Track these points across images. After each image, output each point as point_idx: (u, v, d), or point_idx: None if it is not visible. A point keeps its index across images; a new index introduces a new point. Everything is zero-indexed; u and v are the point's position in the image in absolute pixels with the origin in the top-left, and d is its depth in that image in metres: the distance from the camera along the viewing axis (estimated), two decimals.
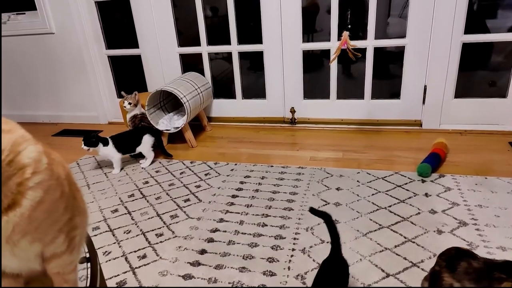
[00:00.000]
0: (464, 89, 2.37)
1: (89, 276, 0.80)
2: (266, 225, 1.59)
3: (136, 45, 2.77)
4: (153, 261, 1.43)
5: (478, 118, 2.35)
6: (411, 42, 2.33)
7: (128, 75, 3.04)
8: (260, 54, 2.61)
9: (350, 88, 2.62)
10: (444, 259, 0.89)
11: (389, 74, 2.82)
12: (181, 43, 2.73)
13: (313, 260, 1.36)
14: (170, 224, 1.66)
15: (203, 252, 1.45)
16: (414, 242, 1.41)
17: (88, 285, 0.78)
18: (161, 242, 1.54)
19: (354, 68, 2.65)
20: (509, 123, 2.30)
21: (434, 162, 1.89)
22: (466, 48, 2.26)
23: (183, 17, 2.74)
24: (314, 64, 2.77)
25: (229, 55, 2.70)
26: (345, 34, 1.93)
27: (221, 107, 2.83)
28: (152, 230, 1.62)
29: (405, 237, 1.44)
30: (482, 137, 2.27)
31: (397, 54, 2.47)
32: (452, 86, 2.34)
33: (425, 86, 2.38)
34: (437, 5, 2.19)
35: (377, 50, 2.43)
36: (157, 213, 1.75)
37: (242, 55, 2.69)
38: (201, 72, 2.74)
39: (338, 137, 2.45)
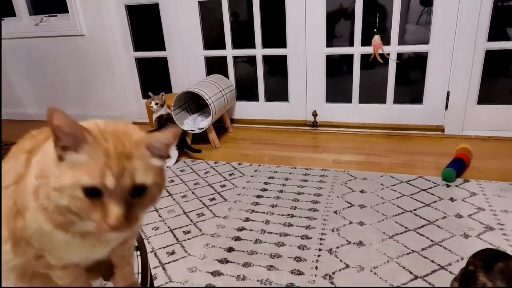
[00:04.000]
0: (487, 96, 2.36)
1: (139, 263, 0.85)
2: (292, 225, 1.62)
3: (163, 48, 2.84)
4: (182, 258, 1.47)
5: (501, 124, 2.34)
6: (434, 48, 2.34)
7: (153, 77, 3.11)
8: (283, 58, 2.65)
9: (372, 93, 2.64)
10: (480, 259, 0.91)
11: (410, 80, 2.83)
12: (207, 46, 2.80)
13: (340, 261, 1.38)
14: (197, 222, 1.70)
15: (230, 250, 1.49)
16: (441, 246, 1.42)
17: (139, 271, 0.83)
18: (188, 239, 1.58)
19: (376, 73, 2.67)
20: None
21: (458, 167, 1.89)
22: (489, 55, 2.26)
23: (209, 21, 2.81)
24: (336, 68, 2.81)
25: (253, 58, 2.75)
26: (377, 37, 1.96)
27: (244, 109, 2.88)
28: (180, 227, 1.67)
29: (432, 240, 1.45)
30: (506, 143, 2.26)
31: (418, 60, 2.48)
32: (475, 92, 2.33)
33: (448, 91, 2.38)
34: (461, 12, 2.20)
35: (399, 56, 2.46)
36: (183, 211, 1.80)
37: (265, 58, 2.74)
38: (225, 74, 2.79)
39: (360, 141, 2.47)
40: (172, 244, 1.56)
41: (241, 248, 1.50)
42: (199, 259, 1.46)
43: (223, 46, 2.75)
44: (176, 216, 1.77)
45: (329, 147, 2.43)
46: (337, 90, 2.74)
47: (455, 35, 2.25)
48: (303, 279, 1.31)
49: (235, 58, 2.80)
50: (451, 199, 1.72)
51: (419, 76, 2.48)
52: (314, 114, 2.69)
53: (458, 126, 2.41)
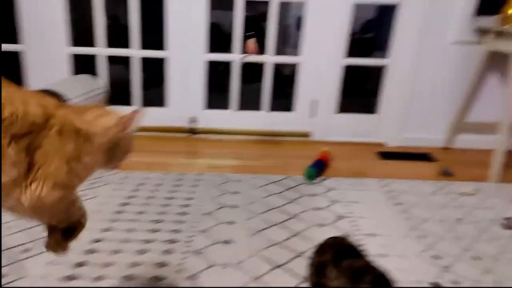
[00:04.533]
0: (346, 105, 2.71)
1: None
2: (159, 231, 1.54)
3: (16, 41, 2.49)
4: (20, 278, 1.25)
5: (357, 131, 2.71)
6: (303, 61, 2.59)
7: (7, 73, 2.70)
8: (162, 61, 2.59)
9: (250, 100, 2.77)
10: (331, 252, 0.94)
11: (285, 89, 3.05)
12: (75, 43, 2.55)
13: (206, 261, 1.37)
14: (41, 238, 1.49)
15: (80, 265, 1.32)
16: (300, 235, 1.54)
17: None
18: (29, 257, 1.34)
19: (254, 80, 2.80)
20: (377, 136, 2.70)
21: (320, 168, 2.10)
22: (349, 70, 2.61)
23: (78, 15, 2.57)
24: (216, 74, 2.86)
25: (128, 59, 2.61)
26: (251, 41, 2.05)
27: None
28: (20, 245, 1.42)
29: (293, 232, 1.56)
30: (358, 146, 2.63)
31: (292, 69, 2.71)
32: (336, 102, 2.65)
33: (314, 100, 2.64)
34: (325, 31, 2.49)
35: (275, 66, 2.65)
36: (26, 225, 1.54)
37: (144, 60, 2.62)
38: (96, 75, 2.58)
39: (237, 147, 2.55)
40: (8, 265, 1.31)
41: (94, 261, 1.35)
42: (39, 279, 1.25)
43: (94, 44, 2.55)
44: (15, 232, 1.49)
45: (207, 153, 2.44)
46: (216, 97, 2.78)
47: (321, 49, 2.54)
48: (164, 284, 1.25)
49: (109, 58, 2.61)
50: (312, 195, 1.89)
51: (293, 85, 2.70)
52: (193, 120, 2.68)
53: (322, 132, 2.69)
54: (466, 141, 2.64)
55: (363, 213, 1.73)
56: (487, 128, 2.49)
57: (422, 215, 1.75)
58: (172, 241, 1.47)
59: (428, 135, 2.67)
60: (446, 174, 2.22)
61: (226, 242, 1.48)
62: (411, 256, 1.45)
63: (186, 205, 1.75)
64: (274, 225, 1.61)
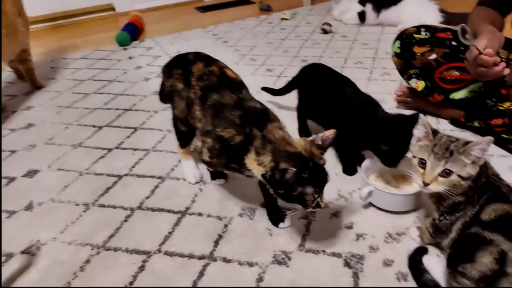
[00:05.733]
0: None
1: None
2: None
3: None
4: None
5: None
6: None
7: None
8: None
9: None
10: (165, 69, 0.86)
11: None
12: None
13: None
14: None
15: None
16: (124, 94, 1.29)
17: None
18: None
19: None
20: None
21: (131, 31, 1.78)
22: None
23: None
24: None
25: None
26: None
27: None
28: None
29: (114, 94, 1.30)
30: (175, 8, 2.39)
31: None
32: None
33: None
34: None
35: None
36: None
37: None
38: None
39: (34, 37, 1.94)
40: None
41: None
42: None
43: None
44: None
45: None
46: None
47: None
48: None
49: None
50: (130, 58, 1.60)
51: None
52: None
53: (127, 2, 2.28)
54: None
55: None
56: None
57: (250, 44, 1.69)
58: None
59: None
60: (265, 9, 2.20)
61: (31, 124, 1.13)
62: (246, 76, 1.37)
63: None
64: (89, 94, 1.30)
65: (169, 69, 0.84)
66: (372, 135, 0.75)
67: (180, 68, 0.81)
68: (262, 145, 0.63)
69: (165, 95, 0.85)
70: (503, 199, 0.54)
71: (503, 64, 0.78)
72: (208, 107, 0.72)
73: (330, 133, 0.63)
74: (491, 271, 0.49)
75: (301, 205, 0.61)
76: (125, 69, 1.50)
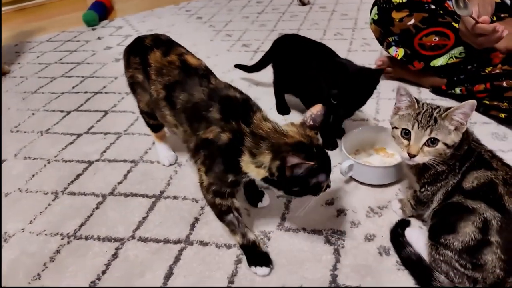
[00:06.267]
0: None
1: None
2: None
3: None
4: None
5: None
6: None
7: None
8: None
9: None
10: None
11: None
12: None
13: None
14: None
15: None
16: (94, 76, 1.23)
17: None
18: None
19: None
20: None
21: (100, 10, 1.68)
22: None
23: None
24: None
25: None
26: None
27: None
28: None
29: (83, 76, 1.23)
30: None
31: None
32: None
33: None
34: None
35: None
36: None
37: None
38: None
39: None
40: None
41: None
42: None
43: None
44: None
45: None
46: None
47: None
48: None
49: None
50: (99, 38, 1.52)
51: None
52: None
53: None
54: None
55: (164, 31, 1.47)
56: None
57: (225, 19, 1.62)
58: None
59: None
60: None
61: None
62: (221, 52, 1.32)
63: None
64: (55, 78, 1.23)
65: (127, 57, 0.75)
66: (330, 80, 0.72)
67: (138, 55, 0.72)
68: (254, 143, 0.53)
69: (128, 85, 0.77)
70: (485, 165, 0.52)
71: (501, 27, 0.74)
72: (179, 111, 0.62)
73: (317, 109, 0.56)
74: (474, 241, 0.47)
75: (314, 195, 0.55)
76: (94, 50, 1.42)
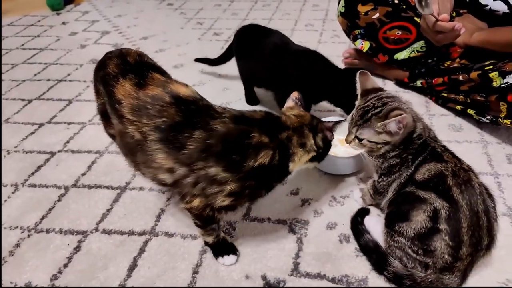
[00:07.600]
0: None
1: None
2: None
3: None
4: None
5: None
6: None
7: None
8: None
9: None
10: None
11: None
12: None
13: None
14: None
15: None
16: (57, 64, 1.18)
17: None
18: None
19: None
20: None
21: None
22: None
23: None
24: None
25: None
26: None
27: None
28: None
29: (46, 63, 1.18)
30: None
31: None
32: None
33: None
34: None
35: None
36: None
37: None
38: None
39: None
40: None
41: None
42: None
43: None
44: None
45: None
46: None
47: None
48: None
49: None
50: (64, 23, 1.47)
51: None
52: None
53: None
54: None
55: (130, 23, 1.45)
56: None
57: (197, 7, 1.60)
58: None
59: None
60: None
61: None
62: (192, 41, 1.30)
63: None
64: (15, 65, 1.18)
65: (95, 82, 0.65)
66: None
67: (101, 84, 0.61)
68: (299, 136, 0.56)
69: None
70: (437, 158, 0.54)
71: (459, 25, 0.78)
72: (194, 151, 0.51)
73: (295, 95, 0.63)
74: (425, 229, 0.50)
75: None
76: (58, 35, 1.37)
